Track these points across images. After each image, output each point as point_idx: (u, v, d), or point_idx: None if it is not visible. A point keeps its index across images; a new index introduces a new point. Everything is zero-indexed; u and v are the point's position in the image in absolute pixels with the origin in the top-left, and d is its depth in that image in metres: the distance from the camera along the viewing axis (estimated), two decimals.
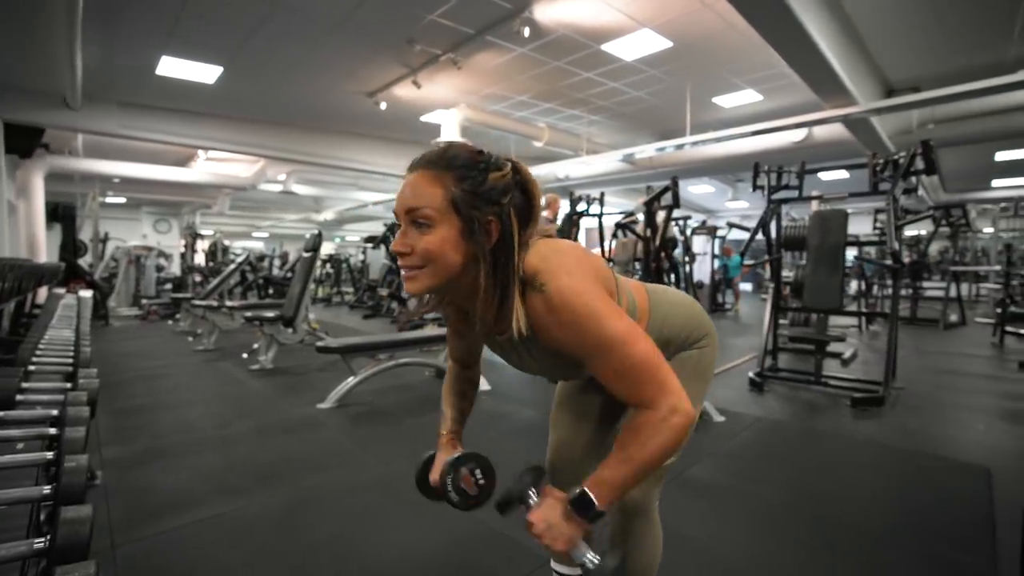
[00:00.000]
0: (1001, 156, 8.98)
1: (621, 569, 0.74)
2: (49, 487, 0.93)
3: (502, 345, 0.89)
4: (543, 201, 0.84)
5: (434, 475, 0.96)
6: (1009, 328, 5.61)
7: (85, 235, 9.24)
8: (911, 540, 1.71)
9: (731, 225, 5.55)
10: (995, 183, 11.49)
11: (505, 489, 0.81)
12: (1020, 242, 10.10)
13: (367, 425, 2.88)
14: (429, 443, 2.63)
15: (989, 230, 12.86)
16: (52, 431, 1.16)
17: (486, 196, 0.73)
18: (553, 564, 1.20)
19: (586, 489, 0.73)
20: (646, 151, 7.83)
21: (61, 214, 7.29)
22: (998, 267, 8.85)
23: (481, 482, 0.89)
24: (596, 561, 0.74)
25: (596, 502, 0.72)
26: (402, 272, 0.77)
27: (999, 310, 5.95)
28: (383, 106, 6.78)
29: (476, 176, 0.74)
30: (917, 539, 1.72)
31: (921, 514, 1.91)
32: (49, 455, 1.06)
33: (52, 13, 4.05)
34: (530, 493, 0.79)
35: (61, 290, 5.83)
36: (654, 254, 4.21)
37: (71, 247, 7.27)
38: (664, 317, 0.96)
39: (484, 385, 3.64)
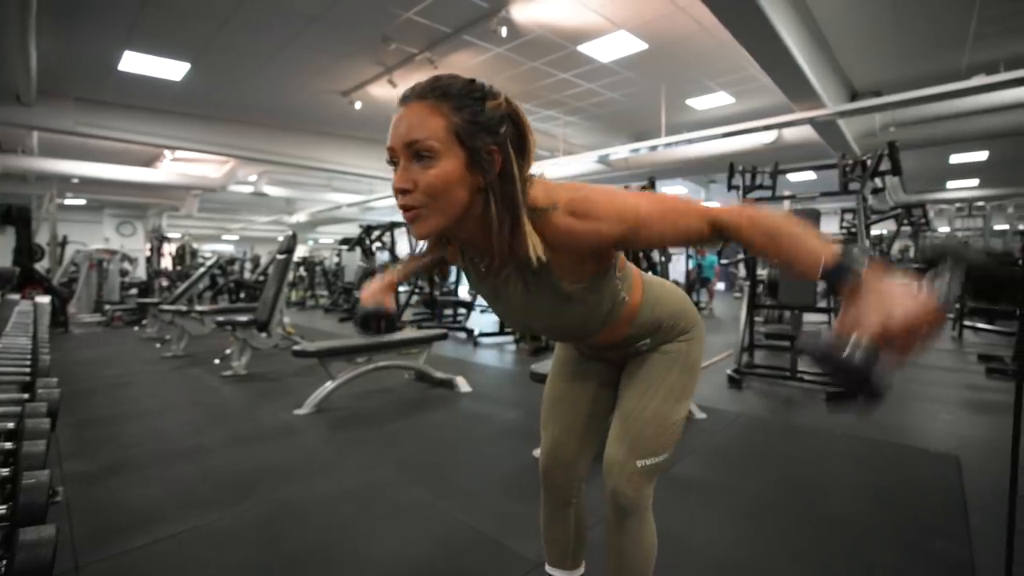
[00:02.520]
0: (955, 159, 9.41)
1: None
2: (5, 506, 0.86)
3: (500, 290, 0.86)
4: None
5: (365, 296, 1.12)
6: (967, 322, 5.86)
7: (42, 238, 8.80)
8: (890, 529, 1.75)
9: None
10: (950, 184, 12.03)
11: (864, 373, 0.54)
12: (975, 241, 10.60)
13: (347, 430, 2.81)
14: (410, 447, 2.58)
15: (945, 229, 13.46)
16: (8, 445, 1.08)
17: (486, 125, 0.71)
18: (548, 567, 1.18)
19: (824, 270, 0.61)
20: (621, 152, 7.91)
21: (15, 216, 6.90)
22: None
23: (383, 328, 1.12)
24: None
25: (840, 259, 0.60)
26: (405, 212, 0.72)
27: (957, 305, 6.21)
28: (358, 105, 6.67)
29: (474, 104, 0.71)
30: (896, 528, 1.76)
31: (898, 503, 1.96)
32: (5, 471, 0.98)
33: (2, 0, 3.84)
34: (850, 345, 0.55)
35: (15, 296, 5.53)
36: (632, 253, 4.24)
37: (26, 251, 6.89)
38: (657, 299, 0.98)
39: (465, 387, 3.60)
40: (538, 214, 0.73)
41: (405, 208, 0.72)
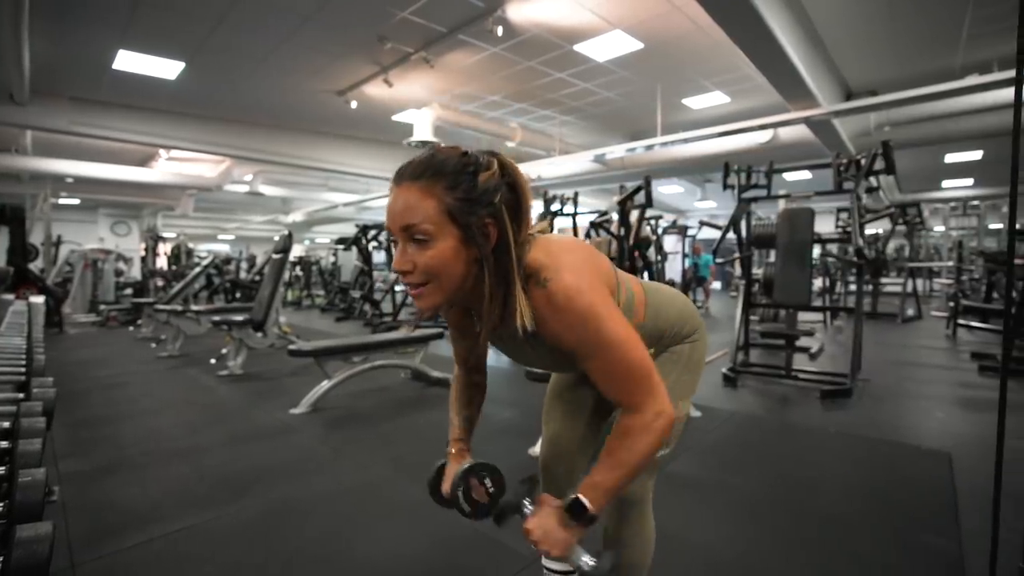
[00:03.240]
0: (950, 158, 9.47)
1: (616, 569, 0.77)
2: (2, 504, 0.86)
3: (505, 340, 0.89)
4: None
5: (445, 486, 0.96)
6: (961, 321, 5.89)
7: (36, 238, 8.76)
8: (883, 525, 1.77)
9: (703, 223, 5.68)
10: (945, 183, 12.09)
11: (500, 501, 0.83)
12: (969, 239, 10.68)
13: (343, 429, 2.81)
14: (406, 445, 2.59)
15: (940, 228, 13.54)
16: (4, 444, 1.08)
17: (480, 199, 0.72)
18: (544, 561, 1.18)
19: (579, 496, 0.75)
20: (617, 151, 7.92)
21: (8, 216, 6.86)
22: (950, 263, 9.33)
23: (491, 490, 0.90)
24: (592, 563, 0.75)
25: (589, 507, 0.74)
26: (408, 289, 0.76)
27: (952, 304, 6.26)
28: (353, 105, 6.66)
29: (467, 180, 0.72)
30: (888, 524, 1.78)
31: (891, 499, 1.98)
32: (1, 469, 0.99)
33: None
34: (525, 503, 0.81)
35: (10, 296, 5.51)
36: (628, 252, 4.25)
37: (20, 251, 6.86)
38: (658, 310, 0.98)
39: None
40: (530, 283, 0.74)
41: (409, 285, 0.75)
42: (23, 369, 1.73)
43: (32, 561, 0.69)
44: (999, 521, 1.19)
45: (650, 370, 0.75)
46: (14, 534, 0.70)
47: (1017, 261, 4.45)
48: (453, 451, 1.03)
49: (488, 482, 0.91)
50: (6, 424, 1.17)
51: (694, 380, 1.03)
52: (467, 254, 0.73)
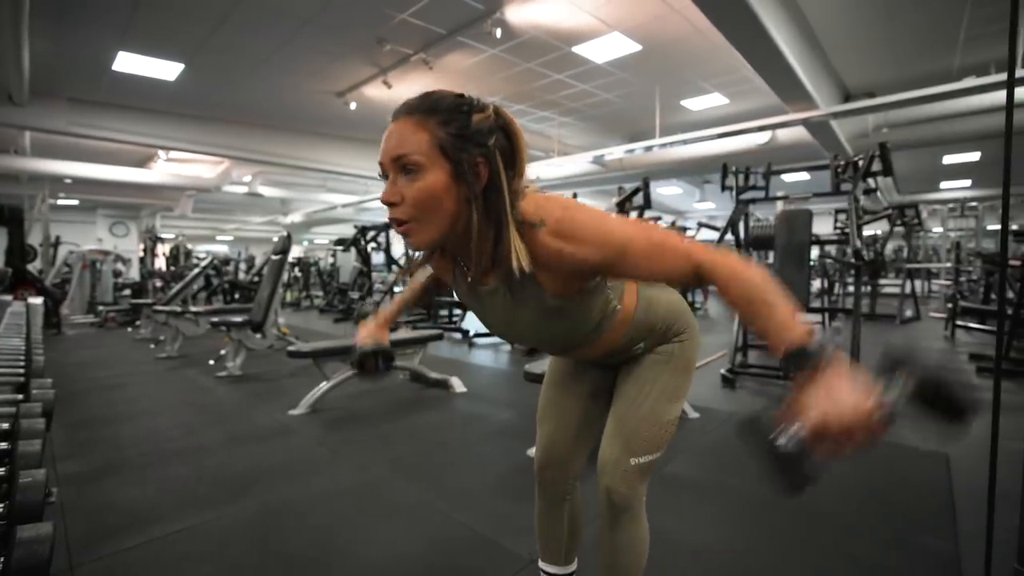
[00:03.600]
0: (948, 159, 9.50)
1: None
2: (2, 505, 0.86)
3: (486, 301, 0.87)
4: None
5: (358, 340, 1.14)
6: (959, 322, 5.91)
7: (34, 239, 8.75)
8: (880, 526, 1.78)
9: (701, 225, 5.69)
10: (943, 185, 12.13)
11: (774, 462, 0.56)
12: (967, 241, 10.70)
13: (341, 430, 2.81)
14: (405, 446, 2.59)
15: (938, 230, 13.56)
16: (4, 445, 1.08)
17: (472, 138, 0.72)
18: (541, 563, 1.19)
19: (794, 349, 0.60)
20: (616, 153, 7.94)
21: (7, 217, 6.86)
22: (948, 264, 9.36)
23: (381, 369, 1.13)
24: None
25: (807, 342, 0.59)
26: (397, 226, 0.74)
27: (950, 305, 6.27)
28: (353, 106, 6.67)
29: (461, 118, 0.73)
30: (886, 524, 1.79)
31: (889, 501, 1.98)
32: (1, 471, 0.99)
33: None
34: (781, 432, 0.55)
35: (8, 297, 5.51)
36: None
37: (18, 252, 6.85)
38: (649, 302, 0.98)
39: (460, 387, 3.61)
40: (525, 228, 0.75)
41: (396, 222, 0.74)
42: (22, 370, 1.73)
43: (33, 561, 0.70)
44: (994, 522, 1.19)
45: (679, 239, 0.74)
46: (14, 535, 0.71)
47: (1012, 262, 4.47)
48: (379, 319, 1.16)
49: (382, 364, 1.12)
50: (6, 425, 1.17)
51: (686, 381, 1.03)
52: (457, 191, 0.72)
